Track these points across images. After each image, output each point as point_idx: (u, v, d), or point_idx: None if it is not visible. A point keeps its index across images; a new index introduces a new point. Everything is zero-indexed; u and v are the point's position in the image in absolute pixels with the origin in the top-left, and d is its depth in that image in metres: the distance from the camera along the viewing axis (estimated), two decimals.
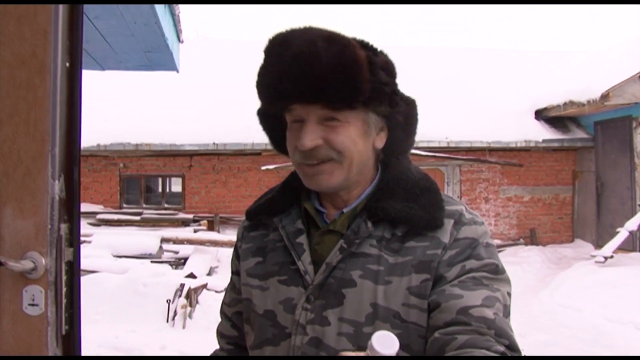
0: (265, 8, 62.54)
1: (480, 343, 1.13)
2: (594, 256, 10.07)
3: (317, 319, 1.27)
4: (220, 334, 1.58)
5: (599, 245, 11.81)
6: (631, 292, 7.69)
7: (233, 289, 1.53)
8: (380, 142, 1.36)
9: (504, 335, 1.17)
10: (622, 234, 10.15)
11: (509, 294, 1.28)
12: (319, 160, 1.28)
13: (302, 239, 1.34)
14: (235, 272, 1.52)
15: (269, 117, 1.41)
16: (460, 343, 1.14)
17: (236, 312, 1.52)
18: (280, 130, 1.38)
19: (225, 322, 1.56)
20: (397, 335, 1.07)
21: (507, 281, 1.30)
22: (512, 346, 1.17)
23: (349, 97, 1.23)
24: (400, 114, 1.36)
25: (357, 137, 1.29)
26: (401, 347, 1.09)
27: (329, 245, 1.32)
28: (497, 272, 1.28)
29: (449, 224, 1.30)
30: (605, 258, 9.71)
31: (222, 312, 1.58)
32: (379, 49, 1.32)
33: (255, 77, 1.32)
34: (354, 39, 1.28)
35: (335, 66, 1.20)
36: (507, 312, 1.24)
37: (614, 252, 9.85)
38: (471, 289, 1.22)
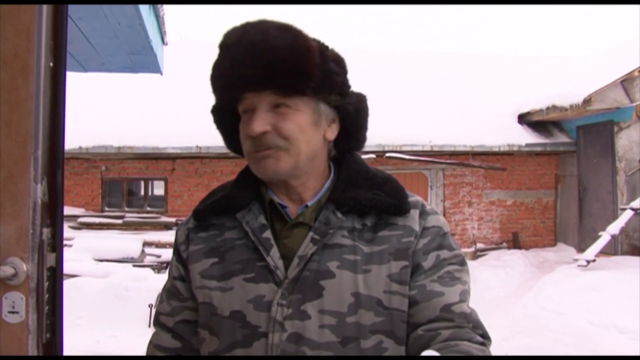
0: (250, 11, 62.49)
1: (463, 335, 1.22)
2: (576, 260, 10.13)
3: (295, 313, 1.25)
4: (157, 347, 1.43)
5: (581, 249, 11.88)
6: (614, 296, 7.73)
7: (174, 296, 1.43)
8: (332, 133, 1.37)
9: (479, 327, 1.28)
10: (604, 238, 10.22)
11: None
12: (266, 147, 1.27)
13: (268, 234, 1.31)
14: (178, 278, 1.42)
15: (224, 114, 1.40)
16: (444, 337, 1.22)
17: (181, 320, 1.41)
18: (236, 129, 1.37)
19: (164, 333, 1.43)
20: (381, 322, 1.24)
21: (468, 270, 1.37)
22: (485, 334, 1.28)
23: (299, 81, 1.25)
24: (350, 104, 1.37)
25: (307, 126, 1.30)
26: (385, 333, 1.25)
27: (299, 238, 1.30)
28: (463, 263, 1.35)
29: (415, 213, 1.34)
30: (588, 262, 9.77)
31: (157, 323, 1.45)
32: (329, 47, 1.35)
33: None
34: (300, 29, 1.30)
35: (286, 52, 1.23)
36: (470, 300, 1.33)
37: (596, 255, 9.92)
38: (449, 284, 1.29)
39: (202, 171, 12.67)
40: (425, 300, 1.26)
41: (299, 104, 1.28)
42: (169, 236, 10.39)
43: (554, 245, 13.75)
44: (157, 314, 1.46)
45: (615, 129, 11.66)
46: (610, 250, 10.81)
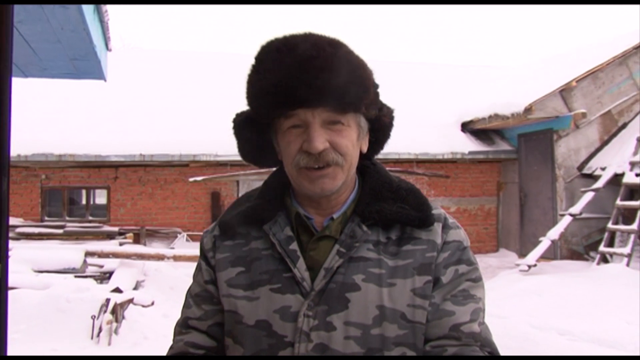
0: (194, 18, 62.01)
1: (467, 352, 1.27)
2: (518, 265, 10.33)
3: (321, 325, 1.27)
4: (193, 345, 1.43)
5: (522, 254, 12.14)
6: (554, 299, 7.91)
7: (206, 300, 1.43)
8: (365, 146, 1.40)
9: (487, 344, 1.31)
10: (545, 243, 10.45)
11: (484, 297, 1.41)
12: (325, 164, 1.28)
13: (295, 246, 1.33)
14: (210, 282, 1.43)
15: (253, 125, 1.39)
16: (449, 354, 1.27)
17: (214, 324, 1.42)
18: (257, 138, 1.39)
19: (198, 334, 1.43)
20: (404, 335, 1.28)
21: (483, 285, 1.40)
22: (494, 352, 1.32)
23: (359, 100, 1.28)
24: (386, 117, 1.43)
25: (355, 141, 1.33)
26: (408, 346, 1.28)
27: (325, 250, 1.32)
28: (478, 278, 1.38)
29: (438, 227, 1.37)
30: (529, 267, 9.97)
31: (187, 327, 1.45)
32: None
33: (246, 83, 1.33)
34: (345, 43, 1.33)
35: (346, 69, 1.25)
36: (484, 315, 1.37)
37: (537, 260, 10.13)
38: (462, 303, 1.32)
39: (146, 179, 12.47)
40: (436, 319, 1.30)
41: (350, 120, 1.31)
42: (112, 246, 10.18)
43: (496, 250, 14.00)
44: (186, 318, 1.46)
45: (555, 137, 11.96)
46: (550, 255, 11.06)
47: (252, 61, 1.34)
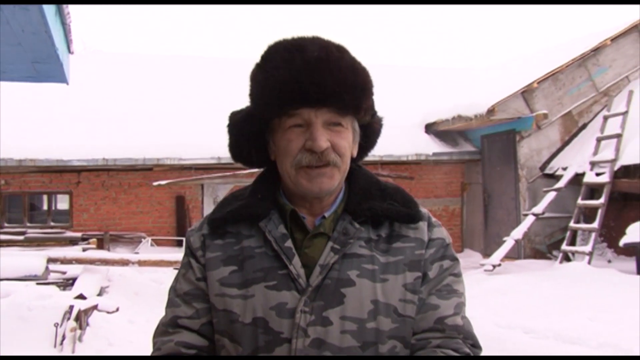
0: (156, 21, 61.51)
1: (451, 345, 1.32)
2: (482, 265, 10.46)
3: (317, 320, 1.29)
4: (184, 345, 1.39)
5: (487, 254, 12.27)
6: (518, 298, 8.02)
7: (198, 298, 1.41)
8: (355, 151, 1.44)
9: (470, 337, 1.37)
10: (509, 243, 10.59)
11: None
12: (326, 163, 1.32)
13: (290, 243, 1.35)
14: (202, 279, 1.41)
15: (252, 123, 1.40)
16: (433, 345, 1.33)
17: (207, 322, 1.40)
18: (253, 138, 1.41)
19: (189, 333, 1.40)
20: (396, 329, 1.32)
21: (463, 280, 1.46)
22: (476, 344, 1.38)
23: (360, 101, 1.34)
24: (377, 123, 1.50)
25: (351, 144, 1.38)
26: (399, 339, 1.33)
27: (319, 247, 1.35)
28: (459, 274, 1.45)
29: (424, 225, 1.43)
30: (494, 266, 10.10)
31: (177, 326, 1.41)
32: None
33: (251, 82, 1.36)
34: None
35: (349, 72, 1.31)
36: (465, 310, 1.42)
37: (501, 260, 10.27)
38: (446, 297, 1.38)
39: (109, 184, 12.33)
40: (422, 312, 1.36)
41: (348, 122, 1.36)
42: (75, 251, 10.02)
43: (461, 251, 14.12)
44: (175, 318, 1.43)
45: (517, 138, 12.14)
46: (514, 254, 11.21)
47: (258, 59, 1.37)
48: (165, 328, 1.43)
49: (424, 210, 1.46)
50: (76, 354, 6.23)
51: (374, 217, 1.38)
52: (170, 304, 1.46)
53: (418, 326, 1.35)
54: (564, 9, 68.93)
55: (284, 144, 1.34)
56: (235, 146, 1.46)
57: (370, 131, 1.48)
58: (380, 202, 1.40)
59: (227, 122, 1.45)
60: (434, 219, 1.46)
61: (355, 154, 1.43)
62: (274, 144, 1.39)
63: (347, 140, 1.36)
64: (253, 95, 1.37)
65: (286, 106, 1.30)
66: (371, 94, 1.39)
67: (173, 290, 1.47)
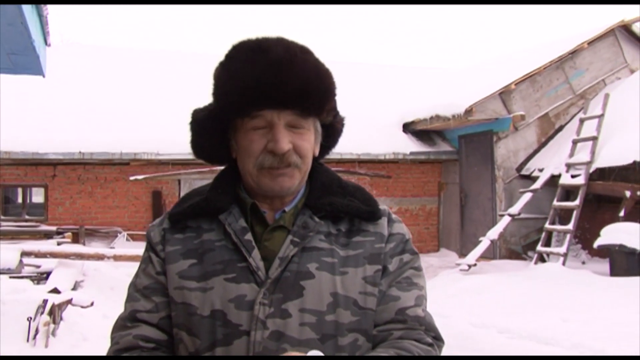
0: (133, 15, 61.06)
1: (413, 335, 1.34)
2: (458, 264, 10.52)
3: (276, 312, 1.29)
4: (142, 338, 1.38)
5: (462, 254, 12.35)
6: (493, 298, 8.08)
7: (157, 292, 1.41)
8: (317, 150, 1.45)
9: (431, 329, 1.39)
10: (484, 243, 10.67)
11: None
12: (287, 164, 1.33)
13: (250, 236, 1.36)
14: (162, 273, 1.41)
15: (215, 122, 1.40)
16: (395, 337, 1.34)
17: (166, 316, 1.39)
18: (215, 136, 1.41)
19: (148, 327, 1.39)
20: (357, 321, 1.33)
21: (424, 275, 1.48)
22: (438, 336, 1.40)
23: (322, 105, 1.34)
24: (339, 123, 1.49)
25: (312, 144, 1.39)
26: (360, 331, 1.33)
27: (279, 241, 1.36)
28: (420, 268, 1.47)
29: (384, 220, 1.45)
30: (469, 266, 10.16)
31: (136, 320, 1.40)
32: None
33: (214, 80, 1.36)
34: None
35: (313, 75, 1.31)
36: (427, 304, 1.44)
37: (477, 260, 10.34)
38: (406, 289, 1.39)
39: (85, 177, 12.22)
40: (383, 304, 1.37)
41: (310, 124, 1.37)
42: (49, 245, 9.92)
43: (438, 250, 14.20)
44: (133, 312, 1.41)
45: (495, 138, 12.22)
46: (489, 254, 11.29)
47: (222, 58, 1.36)
48: (124, 322, 1.42)
49: (384, 206, 1.49)
50: (49, 348, 6.17)
51: (334, 212, 1.40)
52: (129, 299, 1.45)
53: (379, 317, 1.36)
54: (543, 10, 69.50)
55: (246, 144, 1.35)
56: (197, 143, 1.46)
57: (332, 131, 1.48)
58: (340, 198, 1.42)
59: (189, 119, 1.45)
60: (394, 215, 1.49)
61: (317, 152, 1.45)
62: (236, 143, 1.39)
63: (309, 141, 1.37)
64: (216, 94, 1.37)
65: (249, 107, 1.31)
66: (334, 95, 1.39)
67: (133, 285, 1.47)
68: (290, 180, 1.36)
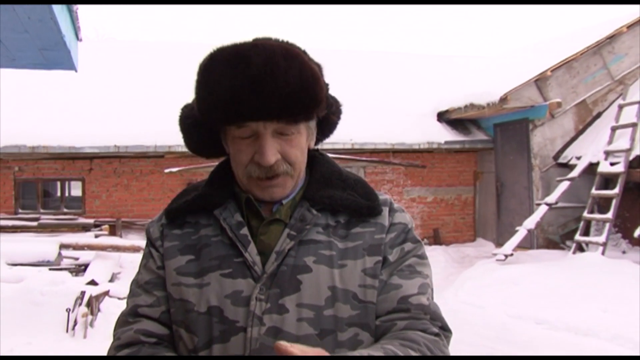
0: (169, 8, 61.50)
1: (418, 326, 1.29)
2: (495, 254, 10.40)
3: (273, 307, 1.27)
4: (144, 333, 1.36)
5: (499, 243, 12.20)
6: (530, 288, 7.97)
7: (157, 286, 1.39)
8: (313, 142, 1.43)
9: (437, 318, 1.33)
10: (521, 232, 10.52)
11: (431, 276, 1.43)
12: (274, 174, 1.31)
13: (245, 231, 1.34)
14: (162, 267, 1.40)
15: (201, 127, 1.39)
16: (400, 327, 1.29)
17: (167, 310, 1.38)
18: (206, 137, 1.40)
19: (149, 322, 1.37)
20: (357, 315, 1.29)
21: (429, 264, 1.44)
22: (445, 326, 1.34)
23: (310, 112, 1.30)
24: (335, 114, 1.46)
25: (304, 145, 1.36)
26: (361, 326, 1.30)
27: (275, 234, 1.34)
28: (424, 256, 1.42)
29: (385, 210, 1.41)
30: (506, 256, 10.04)
31: (137, 315, 1.39)
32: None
33: (195, 91, 1.31)
34: (299, 48, 1.32)
35: (299, 85, 1.24)
36: (433, 294, 1.39)
37: (514, 250, 10.21)
38: (409, 277, 1.35)
39: (121, 171, 12.36)
40: (385, 293, 1.32)
41: (301, 128, 1.33)
42: (87, 238, 10.09)
43: (474, 240, 14.08)
44: (135, 307, 1.40)
45: (530, 126, 12.02)
46: (526, 244, 11.14)
47: (199, 70, 1.30)
48: (126, 318, 1.41)
49: (385, 197, 1.46)
50: (87, 339, 6.28)
51: (333, 205, 1.37)
52: (131, 295, 1.44)
53: (381, 308, 1.32)
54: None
55: (234, 153, 1.34)
56: (188, 140, 1.45)
57: (326, 123, 1.45)
58: (340, 192, 1.39)
59: (178, 119, 1.43)
60: (396, 205, 1.46)
61: (312, 145, 1.42)
62: (227, 145, 1.38)
63: (299, 145, 1.33)
64: (198, 107, 1.32)
65: (231, 122, 1.28)
66: (322, 99, 1.31)
67: (135, 282, 1.46)
68: (282, 190, 1.34)
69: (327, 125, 1.46)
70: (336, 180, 1.42)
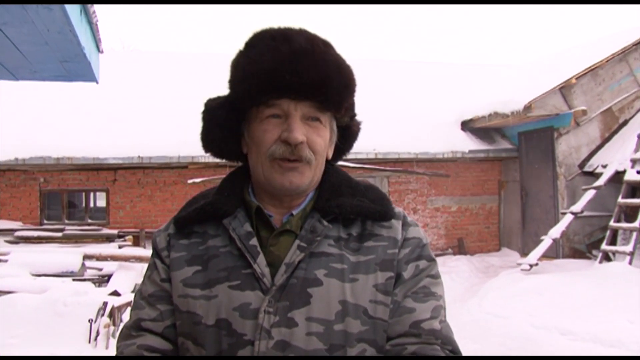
0: (194, 19, 62.06)
1: (427, 351, 1.25)
2: (519, 264, 10.27)
3: (282, 321, 1.24)
4: (147, 348, 1.34)
5: (524, 253, 12.07)
6: (555, 299, 7.86)
7: (162, 300, 1.37)
8: (331, 152, 1.41)
9: (449, 343, 1.30)
10: (546, 242, 10.39)
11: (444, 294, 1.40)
12: (297, 158, 1.28)
13: (255, 241, 1.31)
14: (167, 280, 1.37)
15: (228, 111, 1.37)
16: (409, 352, 1.26)
17: (171, 324, 1.36)
18: (228, 127, 1.38)
19: (152, 336, 1.36)
20: (366, 331, 1.25)
21: (442, 283, 1.40)
22: (455, 350, 1.30)
23: (342, 98, 1.30)
24: (355, 127, 1.46)
25: (327, 142, 1.35)
26: (369, 342, 1.26)
27: (285, 246, 1.31)
28: (437, 275, 1.38)
29: (398, 224, 1.38)
30: (531, 266, 9.91)
31: (140, 329, 1.37)
32: None
33: (232, 68, 1.34)
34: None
35: (335, 67, 1.28)
36: (445, 314, 1.35)
37: (539, 259, 10.08)
38: (423, 300, 1.31)
39: (145, 182, 12.43)
40: (397, 316, 1.29)
41: (327, 120, 1.33)
42: (111, 249, 10.14)
43: (499, 250, 13.94)
44: (138, 320, 1.38)
45: (555, 134, 11.89)
46: (552, 253, 11.00)
47: (242, 46, 1.34)
48: (129, 331, 1.39)
49: (398, 209, 1.43)
50: (109, 350, 6.30)
51: (343, 214, 1.33)
52: (134, 307, 1.42)
53: (393, 330, 1.29)
54: (603, 5, 67.65)
55: (259, 134, 1.31)
56: (207, 134, 1.42)
57: (348, 133, 1.45)
58: (350, 199, 1.36)
59: (202, 108, 1.42)
60: (410, 219, 1.42)
61: (330, 155, 1.40)
62: (249, 135, 1.35)
63: (324, 137, 1.33)
64: (233, 82, 1.34)
65: (267, 95, 1.27)
66: (353, 92, 1.35)
67: (139, 292, 1.43)
68: (300, 177, 1.31)
69: (348, 135, 1.45)
70: (346, 188, 1.39)
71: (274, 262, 1.29)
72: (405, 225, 1.39)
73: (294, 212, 1.35)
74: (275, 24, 1.36)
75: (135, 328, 1.38)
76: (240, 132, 1.38)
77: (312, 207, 1.36)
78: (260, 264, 1.28)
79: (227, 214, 1.35)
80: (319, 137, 1.31)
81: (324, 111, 1.30)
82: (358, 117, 1.49)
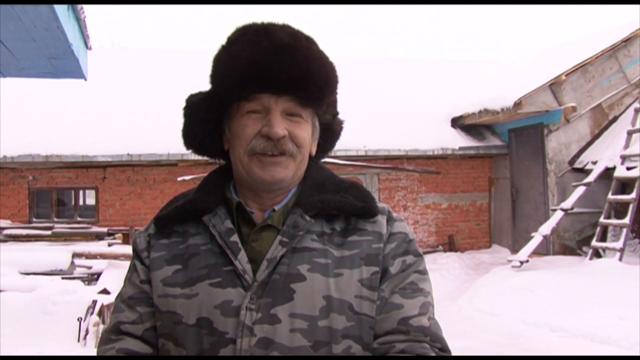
0: (183, 16, 61.84)
1: (417, 350, 1.23)
2: (510, 261, 10.29)
3: (265, 318, 1.21)
4: (125, 352, 1.32)
5: (514, 250, 12.09)
6: (546, 295, 7.87)
7: (141, 302, 1.35)
8: (314, 149, 1.40)
9: (437, 340, 1.27)
10: (537, 239, 10.41)
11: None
12: (280, 152, 1.27)
13: (236, 238, 1.29)
14: (146, 282, 1.35)
15: (209, 107, 1.35)
16: (398, 350, 1.23)
17: (151, 327, 1.33)
18: (209, 122, 1.36)
19: (132, 339, 1.33)
20: (351, 327, 1.23)
21: (430, 279, 1.38)
22: (444, 348, 1.28)
23: (323, 94, 1.29)
24: (337, 125, 1.45)
25: (310, 138, 1.34)
26: (354, 338, 1.24)
27: (267, 241, 1.29)
28: (424, 271, 1.36)
29: (382, 219, 1.36)
30: (521, 262, 9.93)
31: (120, 332, 1.34)
32: None
33: (213, 62, 1.33)
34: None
35: (317, 63, 1.28)
36: (434, 311, 1.33)
37: (529, 256, 10.10)
38: (410, 297, 1.29)
39: (134, 179, 12.37)
40: (385, 312, 1.27)
41: (308, 116, 1.32)
42: (100, 247, 10.08)
43: (489, 247, 13.96)
44: (117, 323, 1.36)
45: (545, 131, 11.92)
46: (542, 250, 11.03)
47: (224, 41, 1.34)
48: (108, 335, 1.36)
49: (383, 205, 1.41)
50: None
51: (326, 209, 1.31)
52: (114, 310, 1.39)
53: (380, 327, 1.26)
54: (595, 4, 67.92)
55: (239, 129, 1.30)
56: (188, 130, 1.40)
57: (329, 132, 1.44)
58: (332, 195, 1.34)
59: (183, 104, 1.39)
60: (395, 214, 1.41)
61: (313, 152, 1.39)
62: (229, 131, 1.34)
63: (306, 132, 1.32)
64: (214, 77, 1.32)
65: (247, 89, 1.26)
66: (335, 89, 1.35)
67: (119, 295, 1.41)
68: (284, 171, 1.29)
69: (330, 134, 1.44)
70: (329, 185, 1.38)
71: (255, 258, 1.27)
72: (391, 220, 1.38)
73: (276, 208, 1.33)
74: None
75: (114, 332, 1.36)
76: (221, 128, 1.37)
77: (295, 203, 1.34)
78: (242, 261, 1.26)
79: (208, 212, 1.33)
80: (302, 131, 1.30)
81: (305, 107, 1.29)
82: (345, 115, 1.49)
